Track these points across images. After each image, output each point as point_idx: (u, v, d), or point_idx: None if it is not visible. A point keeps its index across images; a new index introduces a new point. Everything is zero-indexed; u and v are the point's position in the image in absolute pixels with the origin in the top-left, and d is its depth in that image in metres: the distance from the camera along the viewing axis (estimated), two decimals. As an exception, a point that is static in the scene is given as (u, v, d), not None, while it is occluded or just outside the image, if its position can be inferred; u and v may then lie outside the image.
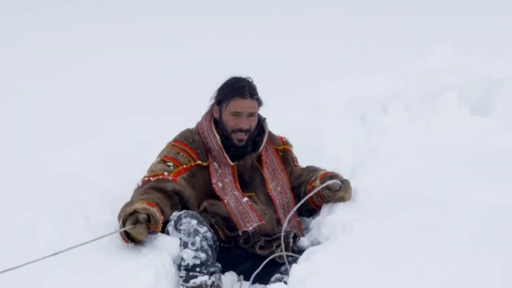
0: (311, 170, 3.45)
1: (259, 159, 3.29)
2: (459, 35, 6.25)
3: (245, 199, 3.17)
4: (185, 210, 3.00)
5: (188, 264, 2.84)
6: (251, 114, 3.15)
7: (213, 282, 2.85)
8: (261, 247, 3.09)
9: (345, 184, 3.19)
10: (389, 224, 2.90)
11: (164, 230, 2.97)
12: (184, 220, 2.92)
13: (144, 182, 3.06)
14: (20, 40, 6.98)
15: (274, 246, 3.08)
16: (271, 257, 3.01)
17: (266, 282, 2.97)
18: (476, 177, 3.32)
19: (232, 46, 6.94)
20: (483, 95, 4.97)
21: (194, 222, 2.92)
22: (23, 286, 2.42)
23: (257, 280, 3.00)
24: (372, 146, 4.27)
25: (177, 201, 3.06)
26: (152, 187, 3.02)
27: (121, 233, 2.79)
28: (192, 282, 2.82)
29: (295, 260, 2.97)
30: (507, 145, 3.93)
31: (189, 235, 2.88)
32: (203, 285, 2.82)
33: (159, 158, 3.18)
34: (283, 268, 3.02)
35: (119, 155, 3.94)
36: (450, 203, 3.00)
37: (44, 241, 2.70)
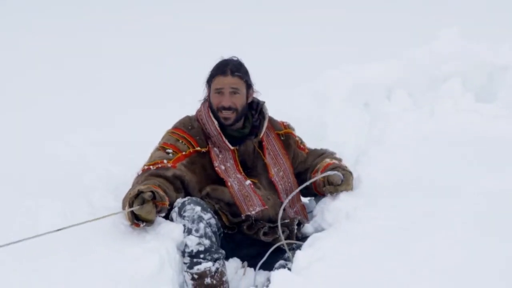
0: (318, 155, 3.45)
1: (260, 144, 3.28)
2: (464, 20, 6.23)
3: (248, 181, 3.17)
4: (188, 197, 3.01)
5: (192, 250, 2.85)
6: (234, 92, 3.14)
7: (217, 269, 2.85)
8: (265, 234, 3.09)
9: (346, 176, 3.19)
10: (392, 211, 2.90)
11: (168, 217, 2.97)
12: (188, 207, 2.92)
13: (144, 171, 3.06)
14: (29, 28, 7.00)
15: (277, 231, 3.08)
16: (275, 245, 3.00)
17: (270, 269, 2.97)
18: (480, 163, 3.32)
19: (234, 35, 6.94)
20: (487, 81, 4.96)
21: (198, 208, 2.92)
22: (25, 271, 2.42)
23: (261, 267, 3.00)
24: (376, 133, 4.26)
25: (179, 185, 3.06)
26: (152, 174, 3.02)
27: (130, 217, 2.79)
28: (196, 268, 2.83)
29: (299, 247, 2.97)
30: (510, 132, 3.92)
31: (193, 222, 2.88)
32: (207, 272, 2.83)
33: (158, 146, 3.19)
34: (286, 255, 3.03)
35: (123, 142, 3.95)
36: (454, 190, 3.00)
37: (48, 228, 2.70)
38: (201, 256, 2.85)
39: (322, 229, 3.10)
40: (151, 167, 3.06)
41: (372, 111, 4.75)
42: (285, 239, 3.04)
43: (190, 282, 2.84)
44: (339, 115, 4.47)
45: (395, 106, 4.71)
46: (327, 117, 4.42)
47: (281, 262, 3.00)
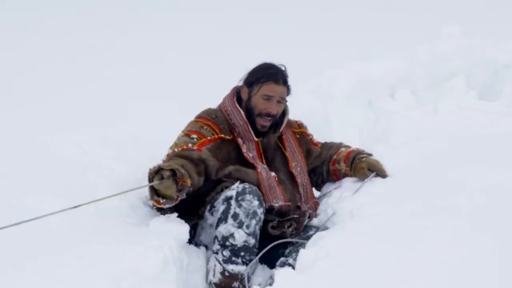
0: (329, 147, 3.50)
1: (280, 139, 3.31)
2: (467, 18, 6.22)
3: (273, 173, 3.18)
4: (249, 184, 2.99)
5: (236, 245, 2.86)
6: (280, 101, 3.17)
7: (247, 274, 2.88)
8: (273, 227, 3.09)
9: (377, 167, 3.30)
10: (396, 209, 2.89)
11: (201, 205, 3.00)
12: (247, 197, 2.92)
13: (169, 155, 3.01)
14: (30, 26, 7.01)
15: (286, 227, 3.09)
16: (276, 242, 3.00)
17: (275, 264, 2.99)
18: (485, 160, 3.31)
19: (238, 34, 6.94)
20: (491, 79, 4.95)
21: (256, 203, 2.92)
22: (28, 269, 2.42)
23: (266, 262, 3.01)
24: (380, 131, 4.26)
25: (203, 169, 3.01)
26: (176, 155, 2.97)
27: (151, 193, 2.77)
28: (231, 268, 2.86)
29: (302, 244, 2.98)
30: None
31: (247, 216, 2.89)
32: (239, 275, 2.87)
33: (182, 133, 3.16)
34: (287, 251, 3.03)
35: (127, 140, 3.94)
36: (459, 187, 2.99)
37: (52, 226, 2.69)
38: (242, 254, 2.87)
39: (326, 228, 3.10)
40: (175, 150, 3.02)
41: (376, 109, 4.75)
42: (292, 233, 3.06)
43: (218, 275, 2.87)
44: (343, 113, 4.47)
45: (399, 104, 4.71)
46: (331, 115, 4.43)
47: (282, 259, 3.00)
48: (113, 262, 2.55)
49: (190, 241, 3.02)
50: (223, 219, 2.92)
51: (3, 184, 3.06)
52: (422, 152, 3.65)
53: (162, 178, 2.73)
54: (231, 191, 2.94)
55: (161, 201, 2.79)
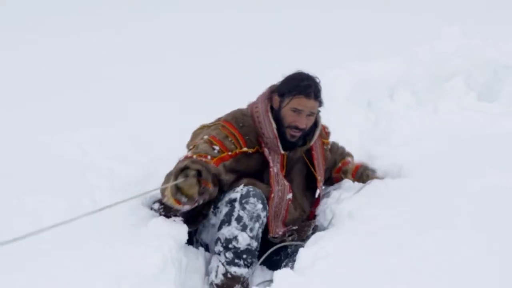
0: (334, 151, 3.52)
1: (308, 152, 3.26)
2: (467, 19, 6.22)
3: (290, 196, 3.13)
4: (253, 187, 2.97)
5: (239, 248, 2.86)
6: (310, 114, 3.10)
7: (248, 277, 2.89)
8: (274, 237, 3.09)
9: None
10: (396, 209, 2.90)
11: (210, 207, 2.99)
12: (251, 200, 2.91)
13: (187, 158, 2.93)
14: (30, 27, 7.02)
15: (286, 235, 3.10)
16: (274, 248, 3.02)
17: (276, 267, 2.98)
18: (483, 161, 3.31)
19: (239, 35, 6.93)
20: (490, 80, 4.95)
21: (260, 206, 2.91)
22: (29, 270, 2.42)
23: (268, 265, 3.02)
24: (379, 131, 4.26)
25: (216, 183, 2.96)
26: (194, 161, 2.88)
27: (174, 190, 2.70)
28: (233, 270, 2.86)
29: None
30: (514, 129, 3.92)
31: (251, 219, 2.88)
32: (241, 278, 2.87)
33: (206, 137, 3.08)
34: (289, 250, 3.03)
35: (128, 141, 3.94)
36: (458, 187, 2.99)
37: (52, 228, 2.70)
38: (244, 257, 2.87)
39: (325, 228, 3.10)
40: (194, 156, 2.95)
41: (376, 109, 4.75)
42: (292, 240, 3.07)
43: (221, 277, 2.86)
44: (343, 113, 4.46)
45: (399, 104, 4.71)
46: (330, 116, 4.42)
47: (284, 262, 3.01)
48: (113, 263, 2.55)
49: (190, 239, 3.03)
50: (226, 221, 2.91)
51: (3, 184, 3.07)
52: (422, 152, 3.65)
53: (187, 176, 2.69)
54: (235, 194, 2.93)
55: (182, 200, 2.71)
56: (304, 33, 6.87)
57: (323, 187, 3.46)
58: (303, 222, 3.20)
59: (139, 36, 6.87)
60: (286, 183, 3.13)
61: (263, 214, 2.92)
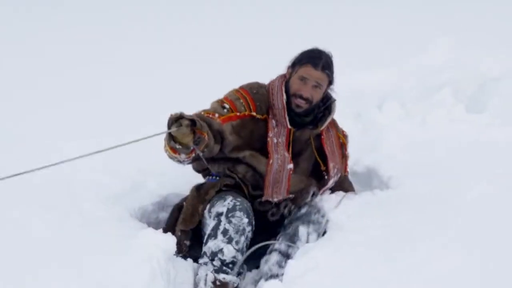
0: (347, 184, 3.45)
1: (318, 137, 3.26)
2: (455, 31, 6.25)
3: (291, 165, 3.13)
4: (240, 201, 2.99)
5: (225, 260, 2.87)
6: (316, 86, 3.11)
7: (238, 285, 2.90)
8: (272, 214, 3.14)
9: None
10: (385, 221, 2.90)
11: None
12: (238, 214, 2.93)
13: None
14: (34, 37, 7.01)
15: (282, 208, 3.14)
16: (257, 245, 3.00)
17: (263, 254, 3.03)
18: (471, 173, 3.32)
19: (231, 44, 6.94)
20: (478, 91, 4.98)
21: (245, 220, 2.93)
22: (14, 278, 2.39)
23: (255, 251, 3.01)
24: (368, 142, 4.27)
25: (219, 140, 3.02)
26: (199, 116, 2.94)
27: (168, 140, 2.74)
28: (222, 276, 2.86)
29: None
30: (501, 141, 3.95)
31: (237, 232, 2.89)
32: (230, 285, 2.86)
33: (218, 99, 3.15)
34: (275, 259, 3.03)
35: (114, 152, 3.92)
36: (446, 198, 3.00)
37: (37, 239, 2.68)
38: (230, 266, 2.87)
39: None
40: (202, 113, 3.02)
41: (365, 121, 4.76)
42: (288, 214, 3.12)
43: (210, 284, 2.86)
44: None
45: (388, 116, 4.72)
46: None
47: (271, 273, 2.99)
48: (101, 274, 2.53)
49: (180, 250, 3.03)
50: (212, 235, 2.92)
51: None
52: (411, 163, 3.66)
53: (180, 125, 2.69)
54: (222, 208, 2.95)
55: (177, 147, 2.73)
56: (292, 43, 6.88)
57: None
58: (303, 189, 3.19)
59: (133, 49, 6.84)
60: (287, 154, 3.13)
61: (248, 228, 2.93)
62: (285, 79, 3.16)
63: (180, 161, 2.91)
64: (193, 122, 2.71)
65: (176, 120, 2.70)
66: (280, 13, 8.36)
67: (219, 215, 2.94)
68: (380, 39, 6.85)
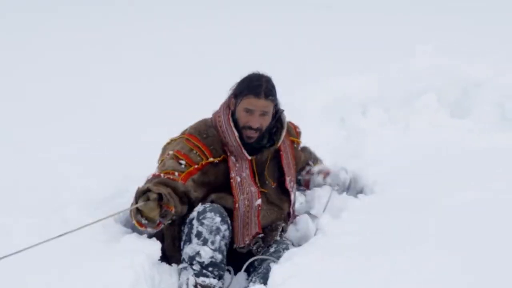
0: (309, 157, 3.57)
1: (276, 151, 3.25)
2: (439, 37, 6.30)
3: (258, 201, 3.12)
4: (210, 204, 2.99)
5: (203, 262, 2.87)
6: (263, 114, 3.08)
7: (220, 287, 2.89)
8: (240, 247, 3.08)
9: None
10: (368, 226, 2.91)
11: (183, 221, 2.98)
12: (208, 215, 2.92)
13: (154, 176, 2.96)
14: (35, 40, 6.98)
15: (252, 244, 3.09)
16: (248, 262, 3.01)
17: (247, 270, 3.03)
18: (452, 179, 3.35)
19: (216, 53, 6.94)
20: (462, 97, 5.01)
21: (218, 219, 2.92)
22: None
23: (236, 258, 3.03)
24: (352, 148, 4.29)
25: (186, 200, 2.98)
26: (161, 182, 2.91)
27: (134, 214, 2.75)
28: (201, 279, 2.85)
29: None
30: (484, 146, 3.98)
31: (210, 232, 2.89)
32: (211, 287, 2.86)
33: (171, 153, 3.09)
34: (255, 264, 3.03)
35: (98, 157, 3.91)
36: (429, 203, 3.02)
37: (19, 245, 2.66)
38: (210, 269, 2.87)
39: (299, 245, 3.10)
40: (162, 174, 2.98)
41: (348, 126, 4.77)
42: (258, 250, 3.08)
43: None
44: (315, 129, 4.47)
45: (371, 121, 4.74)
46: (303, 131, 4.43)
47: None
48: (85, 280, 2.53)
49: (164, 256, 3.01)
50: (187, 240, 2.92)
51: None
52: (394, 169, 3.67)
53: (148, 200, 2.72)
54: (193, 213, 2.95)
55: (143, 222, 2.76)
56: (275, 50, 6.89)
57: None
58: (272, 225, 3.18)
59: (126, 55, 6.81)
60: (253, 189, 3.12)
61: (223, 227, 2.93)
62: (230, 111, 3.14)
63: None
64: (160, 196, 2.73)
65: (143, 193, 2.73)
66: (261, 19, 8.37)
67: (190, 220, 2.94)
68: (363, 45, 6.88)
